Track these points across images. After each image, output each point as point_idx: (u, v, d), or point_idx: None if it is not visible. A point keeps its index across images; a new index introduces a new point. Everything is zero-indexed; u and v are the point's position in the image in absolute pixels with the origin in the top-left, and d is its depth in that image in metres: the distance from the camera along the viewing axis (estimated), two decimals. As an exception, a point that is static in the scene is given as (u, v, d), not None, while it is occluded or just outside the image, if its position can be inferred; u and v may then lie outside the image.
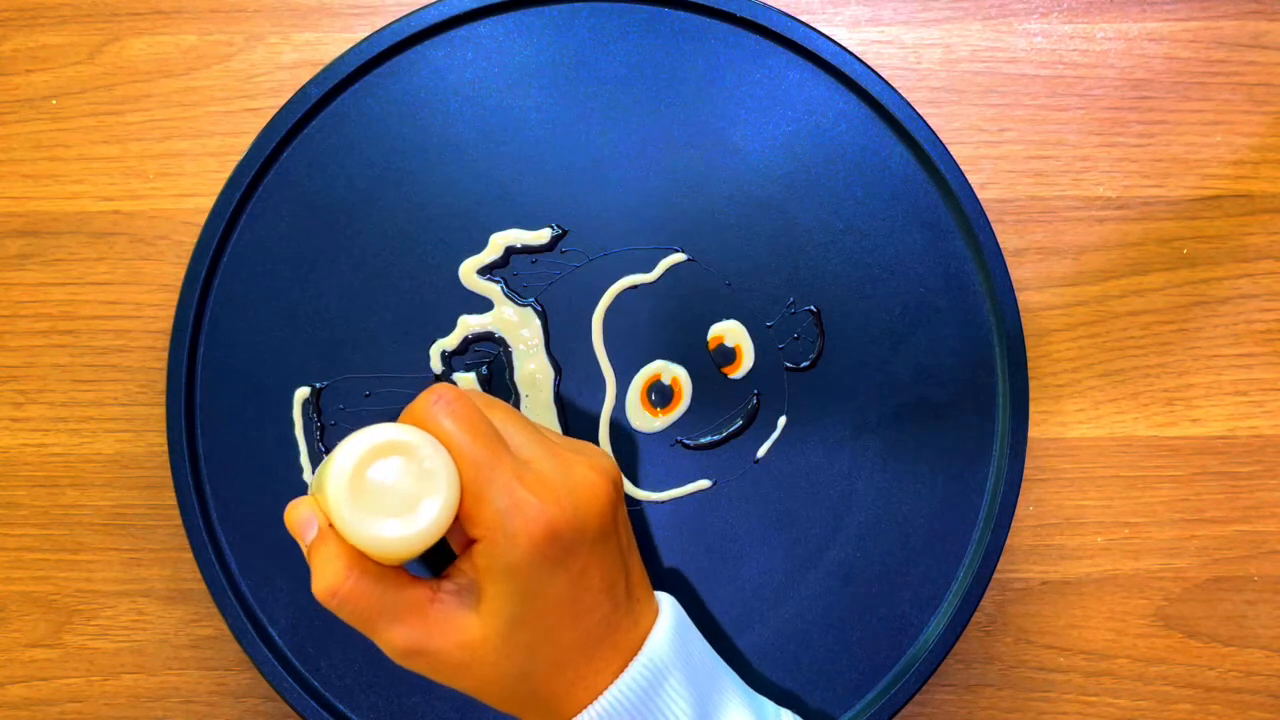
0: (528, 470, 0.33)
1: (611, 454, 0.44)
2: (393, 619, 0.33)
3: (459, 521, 0.33)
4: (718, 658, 0.38)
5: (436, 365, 0.44)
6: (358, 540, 0.31)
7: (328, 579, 0.32)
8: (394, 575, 0.33)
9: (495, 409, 0.35)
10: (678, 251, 0.44)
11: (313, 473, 0.43)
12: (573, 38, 0.44)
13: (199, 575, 0.43)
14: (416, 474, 0.31)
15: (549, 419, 0.44)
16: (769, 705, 0.38)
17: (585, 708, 0.33)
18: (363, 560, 0.32)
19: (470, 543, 0.33)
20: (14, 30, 0.48)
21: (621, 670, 0.34)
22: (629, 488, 0.44)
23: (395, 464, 0.31)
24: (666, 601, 0.37)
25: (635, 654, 0.34)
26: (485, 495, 0.32)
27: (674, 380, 0.44)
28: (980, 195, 0.43)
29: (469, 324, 0.44)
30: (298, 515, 0.33)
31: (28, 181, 0.48)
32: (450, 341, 0.44)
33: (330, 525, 0.32)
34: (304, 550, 0.33)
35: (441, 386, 0.33)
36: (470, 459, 0.32)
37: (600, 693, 0.33)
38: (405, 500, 0.31)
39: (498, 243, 0.43)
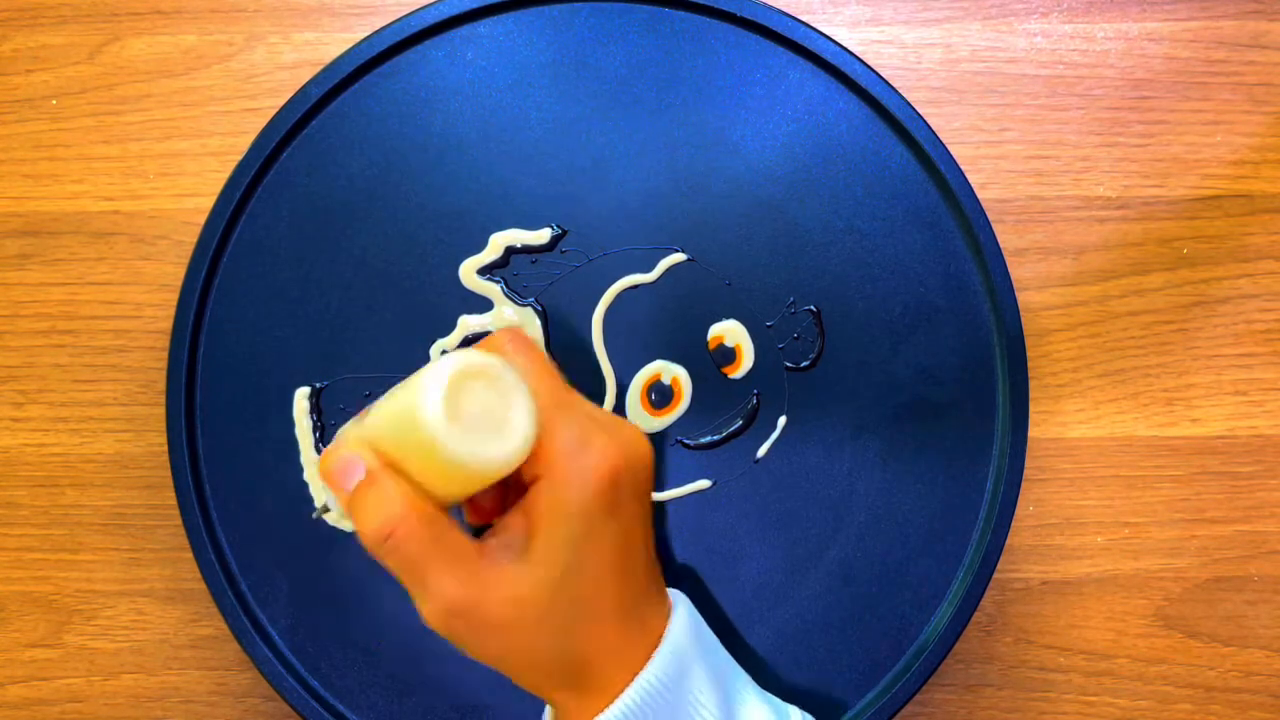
0: (591, 411, 0.33)
1: None
2: (443, 567, 0.31)
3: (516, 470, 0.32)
4: (727, 653, 0.38)
5: (436, 365, 0.44)
6: (457, 457, 0.30)
7: (381, 518, 0.31)
8: (446, 521, 0.32)
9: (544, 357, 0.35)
10: (678, 251, 0.44)
11: (317, 471, 0.43)
12: (573, 38, 0.44)
13: (199, 575, 0.43)
14: (499, 396, 0.31)
15: (549, 419, 0.44)
16: (777, 701, 0.38)
17: (613, 682, 0.33)
18: (419, 501, 0.31)
19: (519, 495, 0.33)
20: (14, 30, 0.48)
21: (648, 651, 0.33)
22: (629, 488, 0.44)
23: (478, 387, 0.31)
24: (679, 595, 0.37)
25: (658, 638, 0.34)
26: (557, 429, 0.32)
27: (674, 380, 0.44)
28: (980, 195, 0.43)
29: (469, 324, 0.44)
30: (338, 460, 0.32)
31: (28, 181, 0.48)
32: (450, 341, 0.44)
33: (379, 466, 0.32)
34: (342, 499, 0.32)
35: (510, 329, 0.33)
36: (546, 391, 0.32)
37: (623, 668, 0.33)
38: (494, 420, 0.31)
39: (498, 243, 0.43)
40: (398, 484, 0.32)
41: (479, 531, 0.35)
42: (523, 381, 0.32)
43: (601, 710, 0.33)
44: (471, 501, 0.35)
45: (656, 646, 0.34)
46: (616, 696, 0.33)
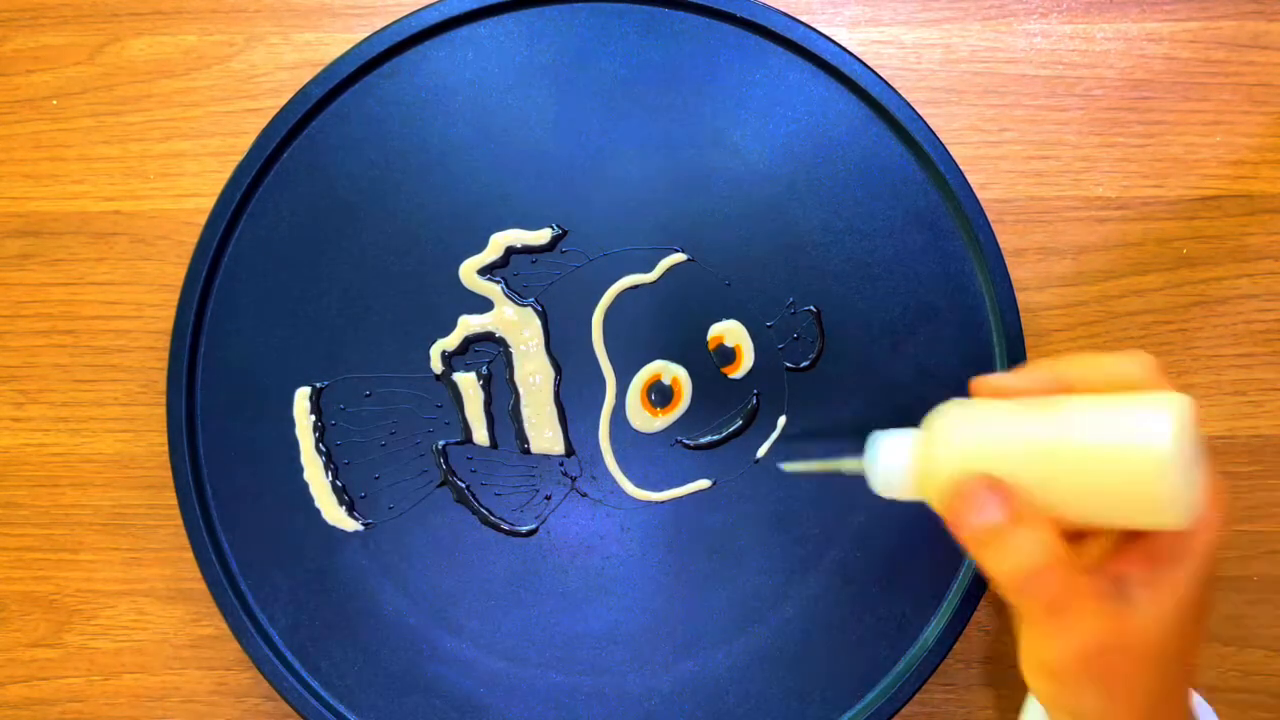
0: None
1: (613, 454, 0.44)
2: (1087, 607, 0.29)
3: None
4: None
5: (437, 365, 0.44)
6: (1172, 504, 0.28)
7: (1026, 566, 0.29)
8: (1075, 560, 0.30)
9: None
10: (678, 251, 0.44)
11: (324, 472, 0.43)
12: (573, 38, 0.44)
13: (199, 575, 0.43)
14: (1195, 445, 0.29)
15: (549, 419, 0.44)
16: None
17: None
18: (1060, 547, 0.29)
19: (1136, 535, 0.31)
20: (14, 30, 0.48)
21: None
22: (629, 489, 0.44)
23: (1191, 428, 0.28)
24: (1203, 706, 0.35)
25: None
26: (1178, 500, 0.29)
27: (674, 380, 0.44)
28: (980, 195, 0.43)
29: (469, 324, 0.44)
30: (975, 496, 0.30)
31: (28, 181, 0.48)
32: (450, 341, 0.44)
33: (1026, 509, 0.29)
34: (964, 529, 0.30)
35: (1148, 355, 0.31)
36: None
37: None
38: (1194, 469, 0.28)
39: (498, 243, 0.44)
40: (1047, 532, 0.29)
41: None
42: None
43: None
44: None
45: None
46: None
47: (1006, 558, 0.29)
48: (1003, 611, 0.47)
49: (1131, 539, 0.31)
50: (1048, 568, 0.29)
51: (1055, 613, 0.29)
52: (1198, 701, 0.35)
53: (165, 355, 0.43)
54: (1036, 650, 0.30)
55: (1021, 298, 0.45)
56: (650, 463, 0.44)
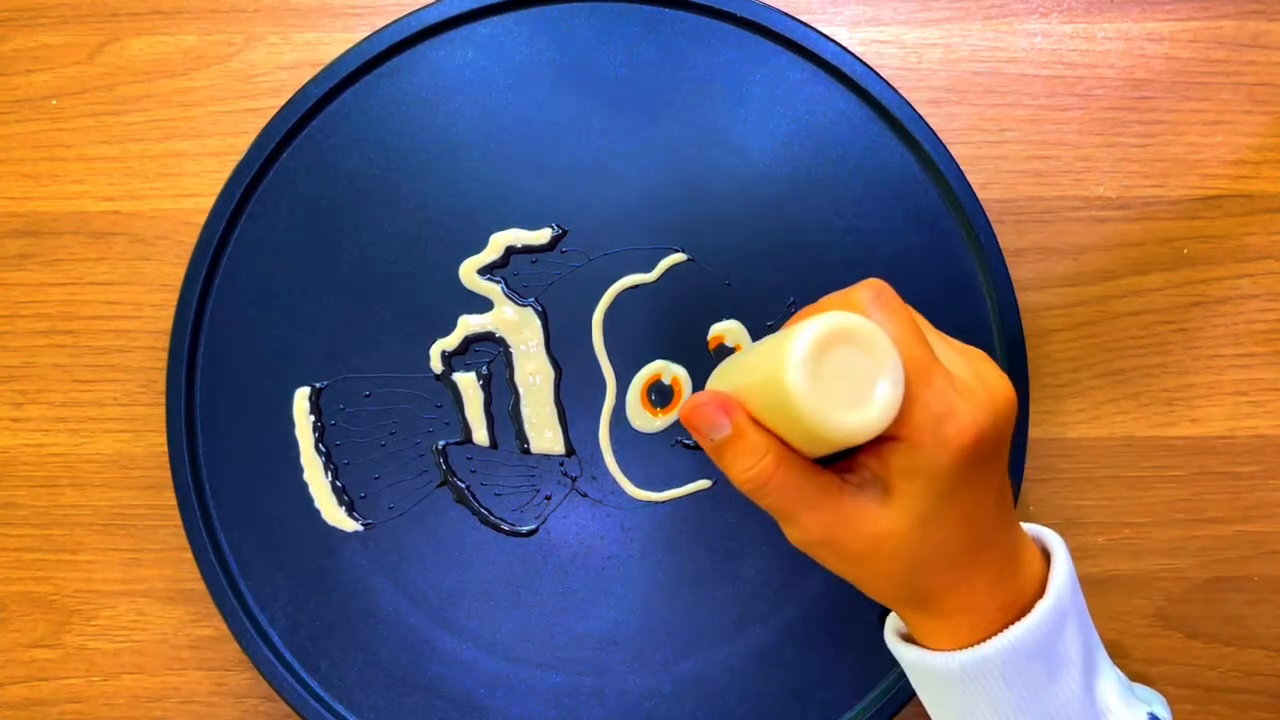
0: (952, 375, 0.32)
1: (613, 454, 0.44)
2: (809, 506, 0.33)
3: None
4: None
5: (437, 365, 0.44)
6: (817, 426, 0.30)
7: (757, 469, 0.33)
8: (810, 464, 0.34)
9: (910, 308, 0.34)
10: (678, 251, 0.44)
11: (324, 472, 0.43)
12: (573, 38, 0.44)
13: (199, 575, 0.43)
14: (868, 362, 0.30)
15: (549, 419, 0.44)
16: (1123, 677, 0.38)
17: (956, 610, 0.34)
18: (787, 451, 0.33)
19: (879, 443, 0.32)
20: (14, 30, 0.48)
21: (998, 579, 0.34)
22: (629, 489, 0.44)
23: (847, 352, 0.30)
24: (1059, 543, 0.37)
25: (1015, 569, 0.35)
26: (920, 396, 0.31)
27: (674, 380, 0.44)
28: (980, 195, 0.43)
29: (469, 324, 0.44)
30: (703, 413, 0.33)
31: (28, 181, 0.48)
32: (450, 341, 0.44)
33: (746, 423, 0.33)
34: (707, 445, 0.34)
35: (876, 281, 0.32)
36: (910, 358, 0.31)
37: (975, 598, 0.34)
38: (857, 389, 0.30)
39: (498, 243, 0.43)
40: (765, 437, 0.33)
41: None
42: (893, 347, 0.30)
43: (946, 635, 0.35)
44: None
45: (1014, 580, 0.35)
46: (966, 621, 0.34)
47: (734, 464, 0.33)
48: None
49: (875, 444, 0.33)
50: (769, 471, 0.33)
51: (785, 510, 0.34)
52: (1047, 535, 0.37)
53: (165, 355, 0.43)
54: (786, 534, 0.35)
55: (1021, 298, 0.45)
56: (650, 463, 0.44)
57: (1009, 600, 0.34)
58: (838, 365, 0.30)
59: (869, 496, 0.33)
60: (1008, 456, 0.34)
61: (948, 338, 0.35)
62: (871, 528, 0.33)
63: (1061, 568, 0.35)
